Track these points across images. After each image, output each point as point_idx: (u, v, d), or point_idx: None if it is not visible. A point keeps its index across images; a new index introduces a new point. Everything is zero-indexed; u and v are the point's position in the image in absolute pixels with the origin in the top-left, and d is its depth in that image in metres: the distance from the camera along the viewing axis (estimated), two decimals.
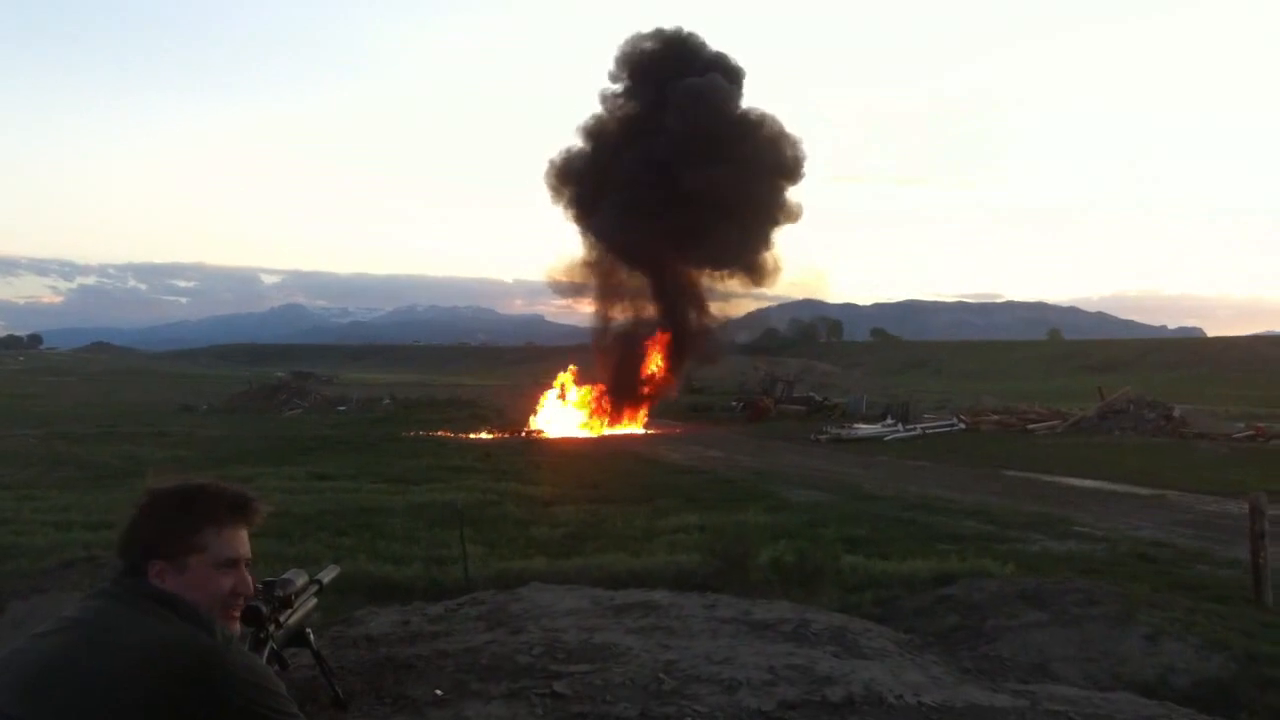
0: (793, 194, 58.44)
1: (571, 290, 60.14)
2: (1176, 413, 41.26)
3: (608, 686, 5.07)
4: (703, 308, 57.46)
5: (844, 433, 40.93)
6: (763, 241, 56.59)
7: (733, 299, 60.68)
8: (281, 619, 3.11)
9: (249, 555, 2.67)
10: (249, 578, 2.67)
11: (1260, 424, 38.48)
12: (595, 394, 51.63)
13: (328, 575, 3.53)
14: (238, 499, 2.66)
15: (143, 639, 2.37)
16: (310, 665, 3.69)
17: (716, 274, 57.46)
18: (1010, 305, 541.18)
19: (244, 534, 2.66)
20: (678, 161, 51.59)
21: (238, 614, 2.67)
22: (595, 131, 57.65)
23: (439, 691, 4.98)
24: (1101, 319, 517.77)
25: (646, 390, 53.03)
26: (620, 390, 51.83)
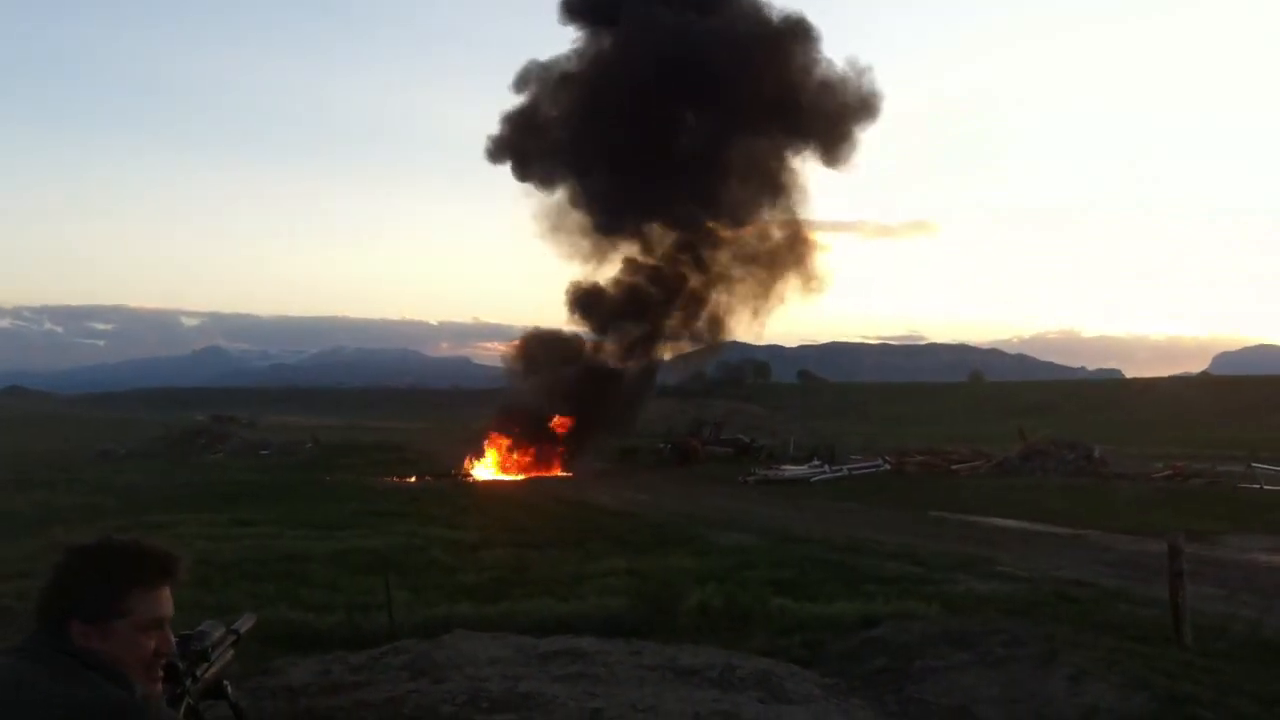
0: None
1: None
2: (1097, 453, 41.90)
3: None
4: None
5: (771, 474, 41.03)
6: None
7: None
8: (198, 673, 3.02)
9: (171, 614, 2.59)
10: (171, 636, 2.59)
11: (1178, 464, 39.17)
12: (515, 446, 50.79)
13: (244, 625, 3.44)
14: (165, 560, 2.56)
15: (57, 700, 2.29)
16: (229, 718, 3.60)
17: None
18: (933, 347, 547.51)
19: (168, 593, 2.58)
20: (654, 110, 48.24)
21: (160, 674, 2.59)
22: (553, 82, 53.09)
23: None
24: (1022, 361, 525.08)
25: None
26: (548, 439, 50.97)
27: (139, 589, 2.50)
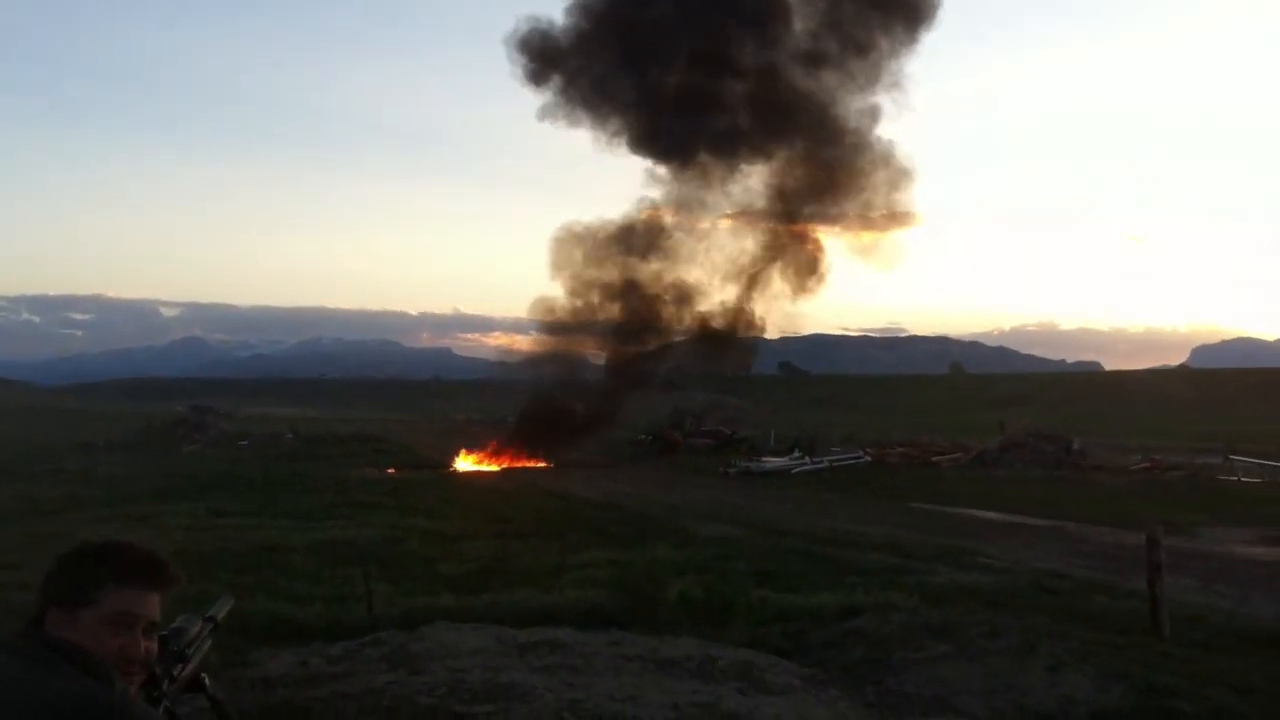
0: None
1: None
2: (1076, 445, 42.09)
3: None
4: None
5: (752, 466, 41.11)
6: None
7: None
8: (175, 673, 2.97)
9: (150, 619, 2.55)
10: (143, 643, 2.54)
11: (1156, 456, 39.39)
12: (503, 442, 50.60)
13: (221, 610, 3.37)
14: (146, 560, 2.56)
15: (34, 694, 2.27)
16: (206, 709, 3.57)
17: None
18: (914, 340, 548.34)
19: (148, 597, 2.54)
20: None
21: (132, 677, 2.55)
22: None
23: None
24: (1002, 353, 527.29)
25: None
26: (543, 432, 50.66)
27: (111, 584, 2.49)
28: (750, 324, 55.42)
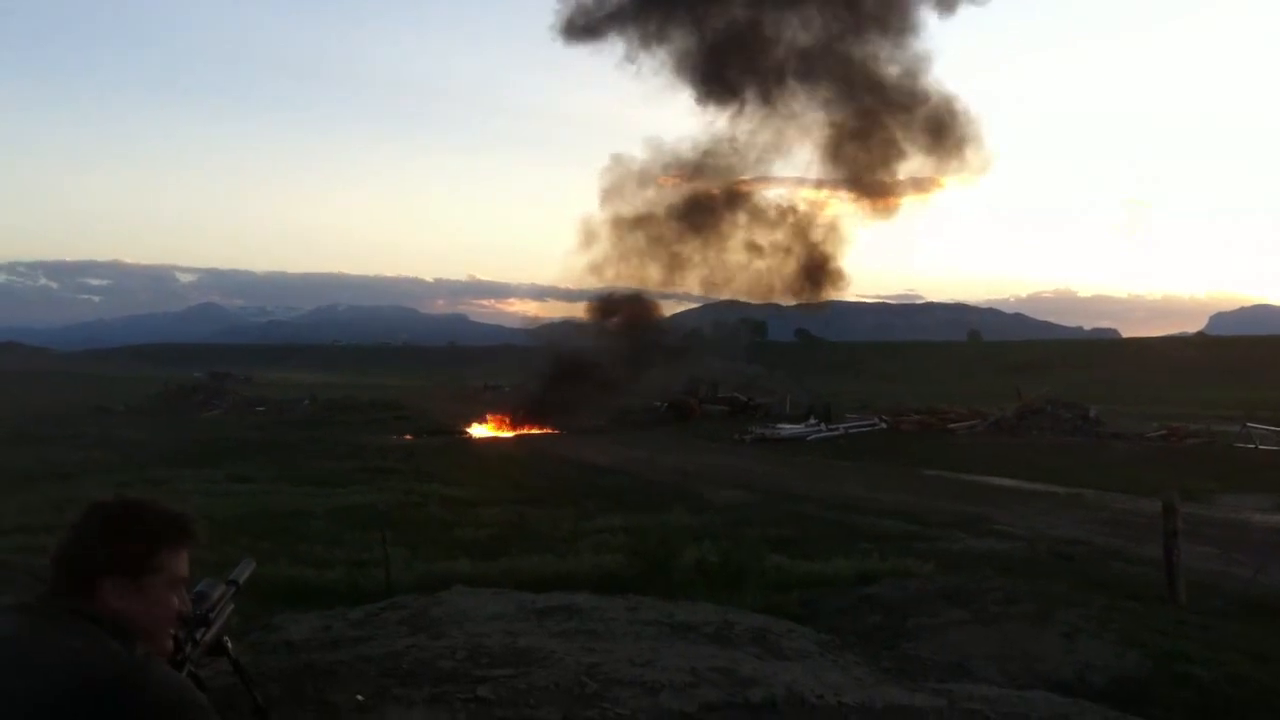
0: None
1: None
2: (1093, 413, 41.99)
3: (531, 690, 5.07)
4: None
5: (768, 433, 41.12)
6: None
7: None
8: (199, 636, 3.01)
9: (187, 576, 2.63)
10: (186, 597, 2.64)
11: (1174, 424, 39.25)
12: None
13: (243, 573, 3.40)
14: (188, 521, 2.62)
15: (62, 657, 2.30)
16: (229, 672, 3.61)
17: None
18: (931, 307, 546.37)
19: (185, 554, 2.62)
20: None
21: (173, 633, 2.62)
22: None
23: (360, 697, 4.94)
24: (1019, 320, 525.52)
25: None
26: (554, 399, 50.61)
27: (168, 547, 2.54)
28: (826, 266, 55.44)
